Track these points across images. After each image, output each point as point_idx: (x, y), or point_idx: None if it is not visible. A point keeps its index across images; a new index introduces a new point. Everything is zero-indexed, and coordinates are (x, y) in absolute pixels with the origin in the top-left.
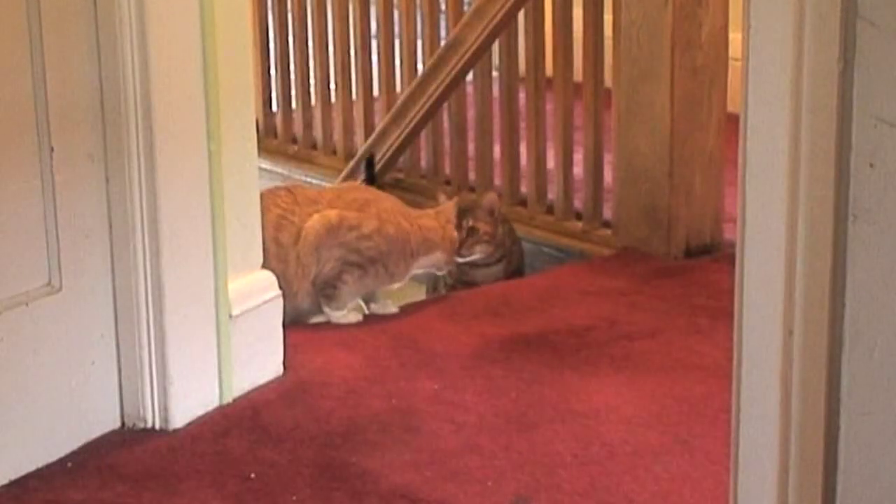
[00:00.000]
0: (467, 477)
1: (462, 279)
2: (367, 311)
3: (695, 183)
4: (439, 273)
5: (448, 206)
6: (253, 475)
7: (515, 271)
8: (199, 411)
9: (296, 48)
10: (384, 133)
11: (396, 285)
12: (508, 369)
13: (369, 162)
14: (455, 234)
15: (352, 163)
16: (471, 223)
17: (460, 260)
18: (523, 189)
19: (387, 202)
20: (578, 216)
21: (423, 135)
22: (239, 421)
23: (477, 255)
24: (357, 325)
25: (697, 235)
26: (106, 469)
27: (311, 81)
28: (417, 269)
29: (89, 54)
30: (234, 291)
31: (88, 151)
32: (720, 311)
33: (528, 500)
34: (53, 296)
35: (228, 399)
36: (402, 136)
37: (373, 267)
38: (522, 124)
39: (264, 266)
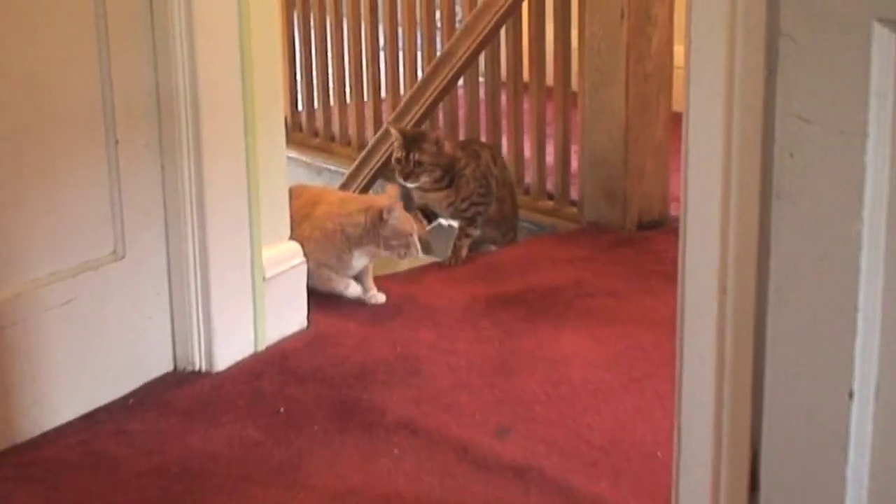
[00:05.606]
0: (458, 410)
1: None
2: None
3: (646, 168)
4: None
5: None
6: (282, 409)
7: (508, 234)
8: (238, 357)
9: (317, 58)
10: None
11: (362, 263)
12: (493, 322)
13: None
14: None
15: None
16: (417, 157)
17: (410, 186)
18: None
19: (320, 209)
20: (550, 196)
21: None
22: (270, 365)
23: (423, 181)
24: None
25: (648, 212)
26: (161, 404)
27: (330, 85)
28: (363, 256)
29: (147, 61)
30: (266, 258)
31: (147, 143)
32: (667, 274)
33: (509, 429)
34: (118, 262)
35: (262, 347)
36: None
37: (326, 263)
38: (504, 121)
39: None
